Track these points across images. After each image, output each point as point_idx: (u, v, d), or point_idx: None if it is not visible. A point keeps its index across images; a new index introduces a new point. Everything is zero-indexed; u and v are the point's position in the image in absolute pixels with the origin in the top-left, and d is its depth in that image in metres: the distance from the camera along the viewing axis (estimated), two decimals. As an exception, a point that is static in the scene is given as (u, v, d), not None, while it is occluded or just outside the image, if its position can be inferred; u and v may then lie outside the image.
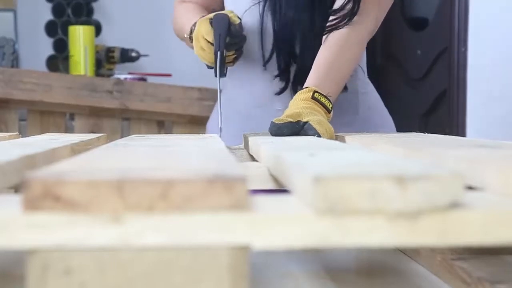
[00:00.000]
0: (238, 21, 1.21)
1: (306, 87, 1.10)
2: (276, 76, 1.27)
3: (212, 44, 1.17)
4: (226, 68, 1.20)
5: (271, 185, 0.71)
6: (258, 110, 1.30)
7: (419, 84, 3.25)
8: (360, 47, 1.20)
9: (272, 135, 1.00)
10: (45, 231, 0.37)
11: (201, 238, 0.38)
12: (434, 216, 0.39)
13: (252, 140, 0.91)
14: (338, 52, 1.15)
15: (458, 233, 0.39)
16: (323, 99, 1.07)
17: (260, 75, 1.29)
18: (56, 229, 0.37)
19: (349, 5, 1.18)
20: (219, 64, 1.16)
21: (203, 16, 1.22)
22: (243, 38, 1.22)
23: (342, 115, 1.29)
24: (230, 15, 1.19)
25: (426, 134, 1.01)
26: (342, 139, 1.00)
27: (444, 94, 3.03)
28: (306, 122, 1.00)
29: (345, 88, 1.27)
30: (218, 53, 1.16)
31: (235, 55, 1.21)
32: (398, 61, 3.37)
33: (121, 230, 0.38)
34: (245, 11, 1.27)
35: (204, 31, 1.18)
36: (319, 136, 0.98)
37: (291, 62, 1.26)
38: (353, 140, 0.95)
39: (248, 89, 1.32)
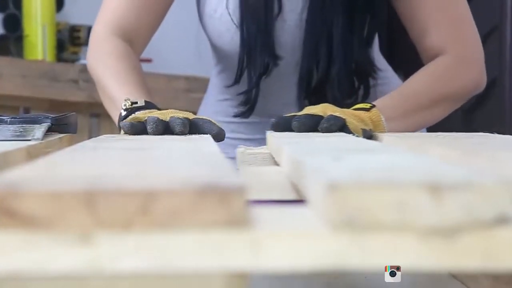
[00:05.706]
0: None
1: None
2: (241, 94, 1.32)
3: None
4: None
5: (292, 194, 0.71)
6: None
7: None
8: (444, 104, 1.25)
9: (297, 131, 1.03)
10: (-3, 254, 0.38)
11: (189, 262, 0.38)
12: (477, 233, 0.39)
13: (274, 139, 0.90)
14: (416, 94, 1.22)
15: (506, 254, 0.40)
16: (360, 106, 1.12)
17: None
18: (11, 252, 0.38)
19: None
20: None
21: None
22: None
23: None
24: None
25: (494, 134, 1.01)
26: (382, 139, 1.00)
27: (494, 84, 3.02)
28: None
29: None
30: None
31: None
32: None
33: (91, 253, 0.38)
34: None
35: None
36: (339, 122, 1.00)
37: None
38: (395, 140, 0.94)
39: None
